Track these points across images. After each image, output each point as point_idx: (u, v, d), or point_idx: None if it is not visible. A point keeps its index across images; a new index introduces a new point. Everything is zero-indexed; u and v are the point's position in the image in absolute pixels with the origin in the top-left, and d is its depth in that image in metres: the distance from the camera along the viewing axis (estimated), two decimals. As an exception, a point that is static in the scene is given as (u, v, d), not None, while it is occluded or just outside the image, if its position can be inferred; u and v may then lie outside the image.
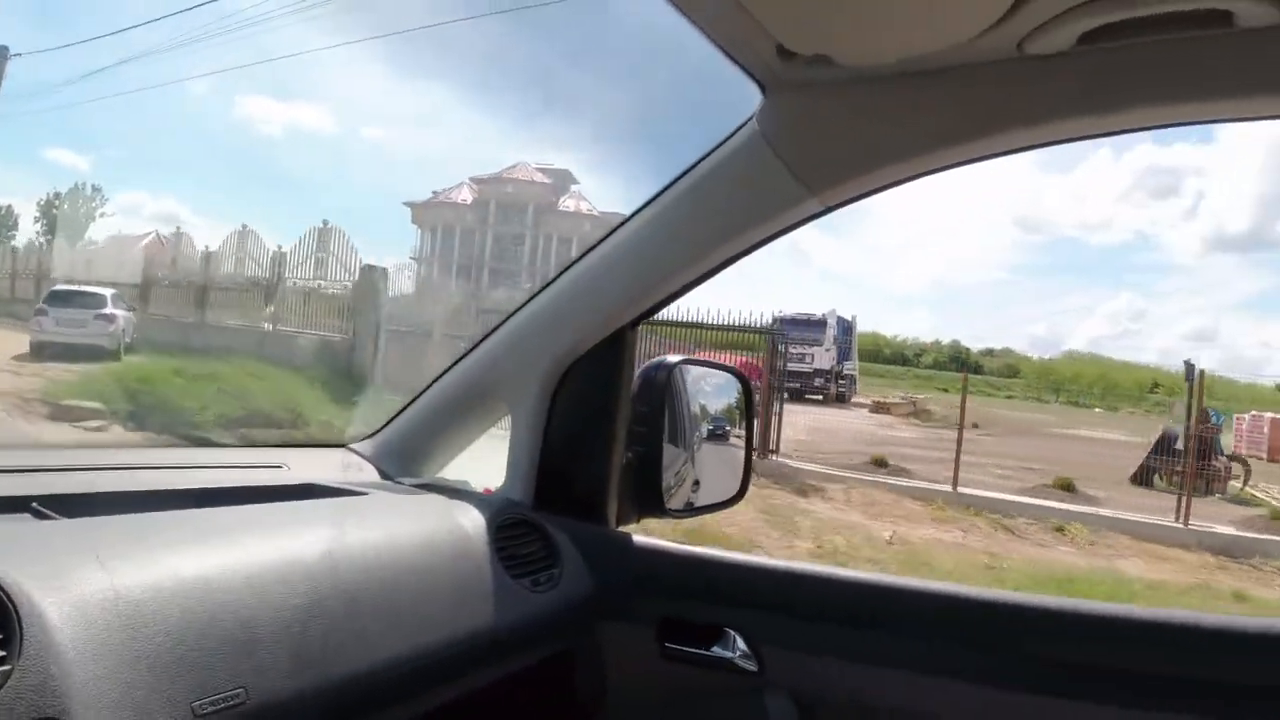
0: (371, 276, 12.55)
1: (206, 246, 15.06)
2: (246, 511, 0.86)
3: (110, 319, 11.78)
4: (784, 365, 11.20)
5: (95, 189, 26.99)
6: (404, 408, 1.22)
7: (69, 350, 10.62)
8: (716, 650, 1.03)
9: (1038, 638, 0.95)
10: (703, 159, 1.01)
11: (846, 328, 21.76)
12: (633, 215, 1.08)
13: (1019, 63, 0.85)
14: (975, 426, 12.85)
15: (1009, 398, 35.57)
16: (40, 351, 10.88)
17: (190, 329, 12.71)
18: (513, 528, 1.02)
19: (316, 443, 1.28)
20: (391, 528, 0.91)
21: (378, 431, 1.23)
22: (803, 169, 0.95)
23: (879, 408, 20.40)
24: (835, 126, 0.95)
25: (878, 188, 0.97)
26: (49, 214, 25.65)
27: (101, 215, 26.12)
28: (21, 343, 11.05)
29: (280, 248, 14.14)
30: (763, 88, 0.95)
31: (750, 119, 0.98)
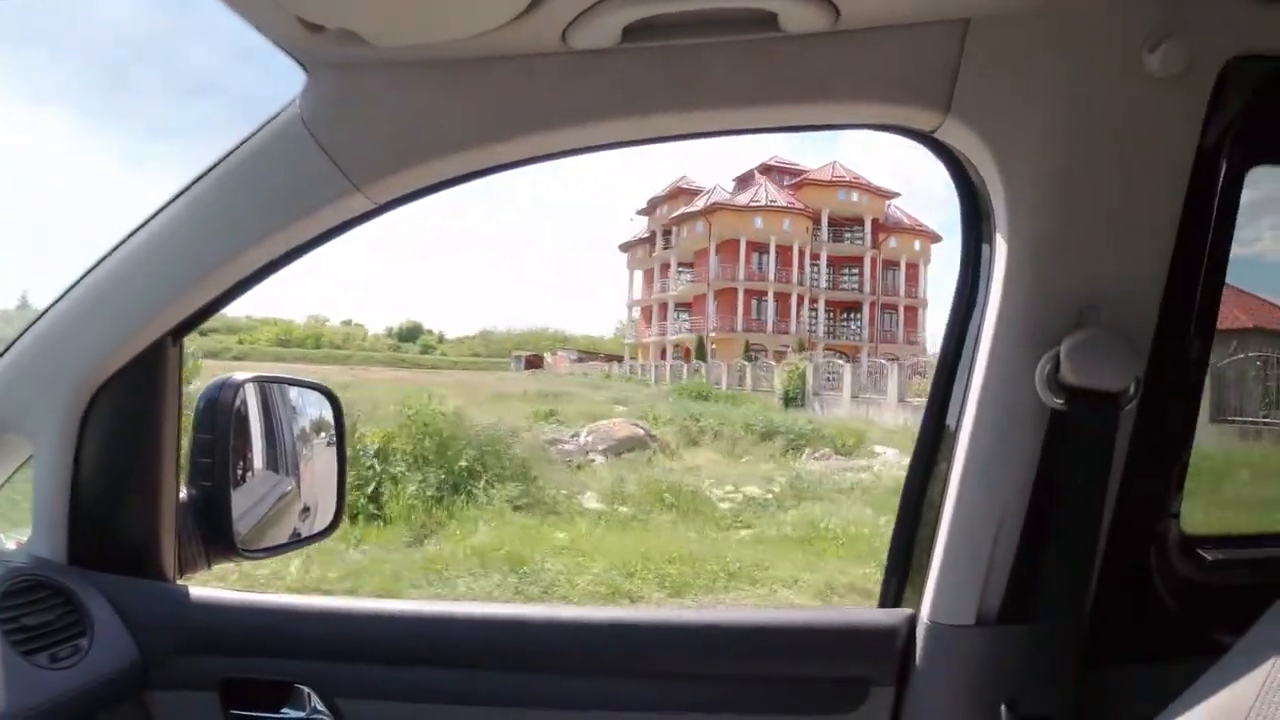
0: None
1: None
2: None
3: None
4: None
5: None
6: None
7: None
8: (288, 712, 0.92)
9: (648, 652, 0.94)
10: (243, 142, 0.85)
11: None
12: (163, 206, 0.88)
13: (566, 58, 0.80)
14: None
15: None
16: None
17: None
18: (25, 593, 0.83)
19: None
20: None
21: None
22: (345, 160, 0.84)
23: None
24: (377, 114, 0.84)
25: (428, 185, 0.87)
26: None
27: None
28: None
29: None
30: (304, 66, 0.82)
31: (294, 100, 0.83)
